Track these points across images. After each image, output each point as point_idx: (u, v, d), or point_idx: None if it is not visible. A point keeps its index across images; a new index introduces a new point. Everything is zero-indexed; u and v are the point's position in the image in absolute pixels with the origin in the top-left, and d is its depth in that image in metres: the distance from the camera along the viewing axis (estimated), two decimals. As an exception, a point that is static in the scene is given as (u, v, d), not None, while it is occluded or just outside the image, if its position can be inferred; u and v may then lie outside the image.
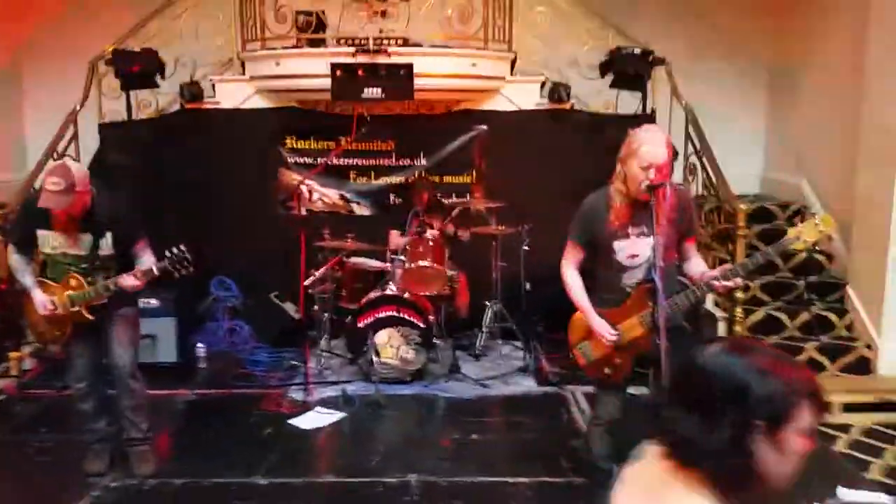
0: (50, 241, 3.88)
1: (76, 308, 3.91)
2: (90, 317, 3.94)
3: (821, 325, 5.65)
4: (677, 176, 6.51)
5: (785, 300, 5.93)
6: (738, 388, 1.38)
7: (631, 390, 3.93)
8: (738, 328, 5.56)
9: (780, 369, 1.41)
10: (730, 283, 3.41)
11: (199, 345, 5.84)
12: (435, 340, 5.51)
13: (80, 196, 3.74)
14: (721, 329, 5.68)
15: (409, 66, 6.11)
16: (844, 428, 4.63)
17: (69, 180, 3.65)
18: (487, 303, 6.15)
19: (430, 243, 5.70)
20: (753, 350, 1.48)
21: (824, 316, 5.71)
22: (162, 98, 6.78)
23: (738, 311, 5.51)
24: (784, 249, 3.31)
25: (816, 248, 5.76)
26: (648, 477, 1.47)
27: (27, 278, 3.96)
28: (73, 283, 3.90)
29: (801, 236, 3.18)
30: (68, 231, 3.86)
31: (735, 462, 1.38)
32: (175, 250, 3.85)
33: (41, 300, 3.89)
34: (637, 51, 6.43)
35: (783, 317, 5.74)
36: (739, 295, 5.47)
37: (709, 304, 5.80)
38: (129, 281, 3.84)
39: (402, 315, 5.43)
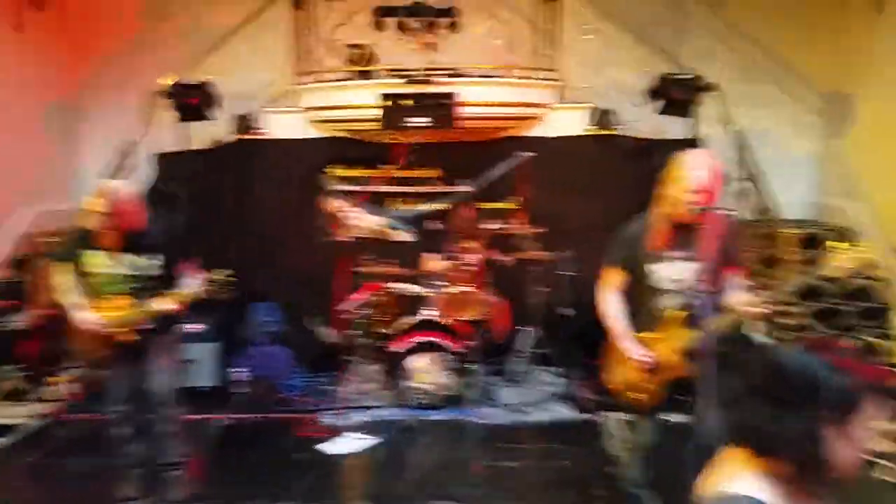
0: (101, 261, 3.96)
1: (120, 329, 3.96)
2: (135, 337, 3.98)
3: (869, 352, 5.40)
4: (727, 201, 6.33)
5: (834, 326, 5.70)
6: (811, 382, 1.52)
7: (668, 417, 3.78)
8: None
9: (849, 366, 1.55)
10: (764, 310, 3.27)
11: (241, 369, 5.89)
12: (471, 366, 5.42)
13: (123, 217, 3.84)
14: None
15: (450, 95, 6.17)
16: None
17: (112, 202, 3.77)
18: (526, 328, 6.04)
19: (471, 268, 5.65)
20: (827, 350, 1.72)
21: (872, 342, 5.46)
22: (217, 129, 6.99)
23: (785, 336, 5.28)
24: (823, 276, 3.17)
25: (864, 274, 5.54)
26: (726, 466, 1.61)
27: (75, 297, 4.01)
28: (118, 303, 3.96)
29: (842, 263, 3.05)
30: (118, 251, 3.94)
31: (808, 449, 1.50)
32: (216, 274, 3.93)
33: (90, 319, 3.93)
34: (685, 76, 6.33)
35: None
36: (783, 321, 5.26)
37: (757, 330, 5.56)
38: (169, 304, 3.91)
39: (437, 340, 5.37)
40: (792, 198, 6.56)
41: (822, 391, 1.51)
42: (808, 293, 5.60)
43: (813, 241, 6.20)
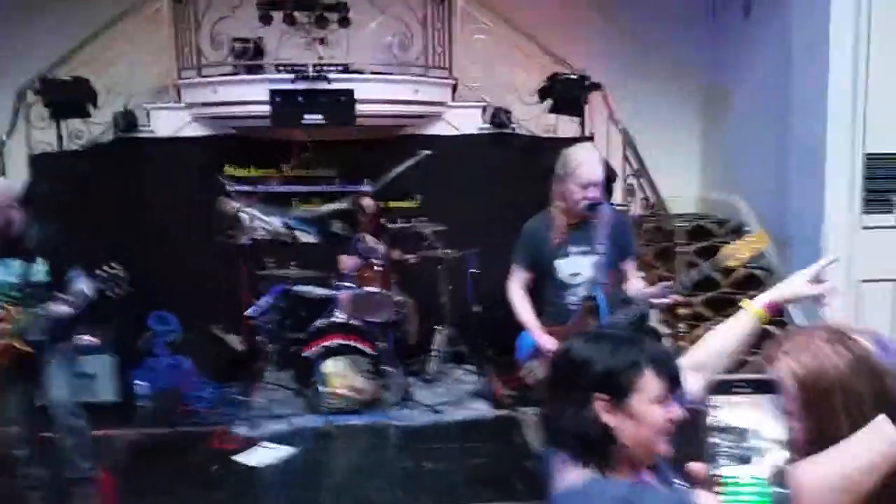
0: None
1: (10, 340, 3.71)
2: (26, 349, 3.74)
3: (762, 339, 5.78)
4: (616, 197, 6.65)
5: (726, 315, 6.01)
6: (579, 366, 1.50)
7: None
8: (682, 343, 5.66)
9: (622, 344, 1.52)
10: (668, 300, 3.49)
11: (140, 382, 5.62)
12: (385, 367, 5.44)
13: (2, 215, 3.60)
14: (666, 344, 5.78)
15: (350, 92, 6.09)
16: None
17: None
18: (437, 327, 6.11)
19: (377, 269, 5.65)
20: (605, 334, 1.65)
21: (766, 330, 5.84)
22: (94, 128, 6.58)
23: (682, 326, 5.62)
24: (718, 266, 3.32)
25: (754, 263, 5.92)
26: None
27: None
28: (8, 312, 3.71)
29: (736, 253, 3.19)
30: None
31: (591, 437, 1.45)
32: (107, 268, 3.73)
33: None
34: (574, 76, 6.56)
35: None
36: (683, 311, 5.58)
37: (654, 320, 5.89)
38: (61, 307, 3.69)
39: (350, 343, 5.32)
40: (677, 192, 6.95)
41: (590, 373, 1.48)
42: (702, 283, 5.97)
43: (700, 232, 6.61)
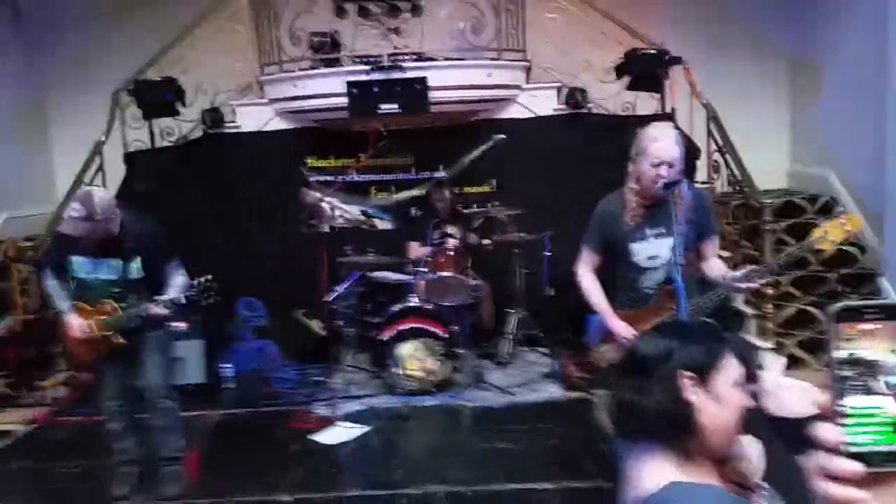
0: (82, 267, 3.95)
1: (110, 332, 3.96)
2: (123, 341, 3.99)
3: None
4: (701, 174, 6.43)
5: (817, 294, 5.75)
6: (664, 350, 1.53)
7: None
8: (769, 325, 5.43)
9: (703, 333, 1.61)
10: (753, 285, 3.31)
11: (227, 365, 5.87)
12: (459, 350, 5.47)
13: (102, 224, 3.79)
14: (752, 327, 5.55)
15: (423, 80, 6.15)
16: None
17: (89, 208, 3.71)
18: (511, 310, 6.10)
19: (452, 253, 5.69)
20: (687, 322, 1.85)
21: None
22: (184, 125, 6.90)
23: (769, 307, 5.38)
24: (808, 249, 3.20)
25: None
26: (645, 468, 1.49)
27: (63, 304, 4.01)
28: (107, 307, 3.96)
29: (827, 236, 3.06)
30: (98, 256, 3.92)
31: (674, 413, 1.47)
32: (200, 280, 3.94)
33: (78, 325, 3.93)
34: (652, 51, 6.38)
35: (816, 311, 5.57)
36: (770, 291, 5.34)
37: (738, 301, 5.67)
38: (155, 310, 3.91)
39: (424, 326, 5.39)
40: (765, 168, 6.66)
41: (675, 353, 1.51)
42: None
43: (790, 209, 6.29)
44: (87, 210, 3.72)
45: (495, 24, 6.78)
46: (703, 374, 1.50)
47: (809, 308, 5.60)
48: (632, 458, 1.50)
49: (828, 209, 6.21)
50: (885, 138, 5.56)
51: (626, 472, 1.49)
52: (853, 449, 0.79)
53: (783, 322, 5.55)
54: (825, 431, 0.80)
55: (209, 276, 3.96)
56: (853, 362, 0.81)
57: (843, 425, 0.80)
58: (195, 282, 3.95)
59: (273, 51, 6.95)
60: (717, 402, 1.49)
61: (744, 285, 3.29)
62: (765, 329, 5.49)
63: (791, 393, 1.42)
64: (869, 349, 0.81)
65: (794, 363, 5.36)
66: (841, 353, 0.81)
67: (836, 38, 6.57)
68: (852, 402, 0.80)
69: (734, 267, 3.56)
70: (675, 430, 1.47)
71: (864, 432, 0.79)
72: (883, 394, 0.80)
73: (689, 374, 1.49)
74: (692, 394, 1.49)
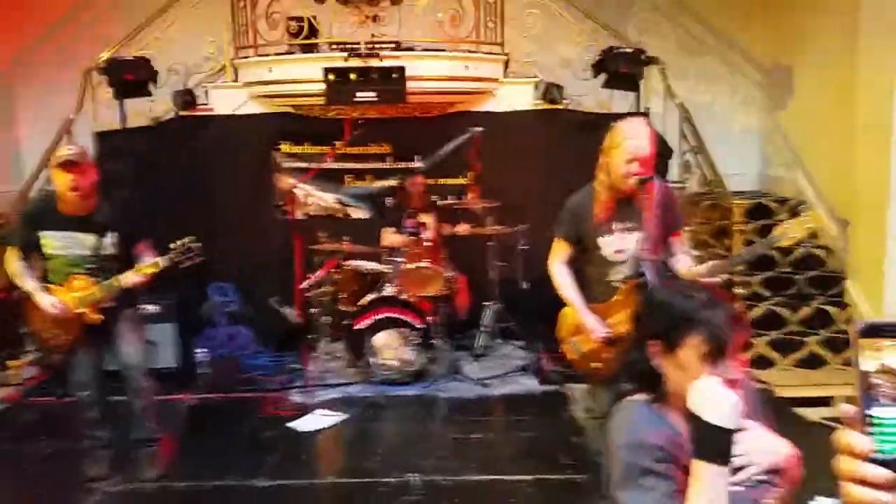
0: (55, 241, 3.88)
1: (83, 309, 3.89)
2: (98, 317, 3.92)
3: (821, 320, 5.66)
4: (673, 174, 6.55)
5: (785, 295, 5.93)
6: (646, 313, 1.78)
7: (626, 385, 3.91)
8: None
9: (687, 301, 1.69)
10: (716, 280, 3.40)
11: (200, 350, 5.82)
12: (434, 341, 5.50)
13: (91, 170, 3.82)
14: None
15: (401, 69, 6.12)
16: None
17: (82, 149, 3.82)
18: (486, 303, 6.15)
19: (427, 244, 5.71)
20: (687, 288, 1.86)
21: (825, 310, 5.73)
22: (156, 106, 6.78)
23: (739, 306, 5.51)
24: (771, 246, 3.27)
25: (812, 242, 5.78)
26: None
27: (30, 282, 3.91)
28: (77, 284, 3.89)
29: (788, 233, 3.10)
30: (71, 229, 3.87)
31: (645, 374, 1.72)
32: (179, 242, 3.88)
33: (48, 301, 3.84)
34: (629, 50, 6.46)
35: (784, 311, 5.75)
36: (740, 291, 5.48)
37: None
38: (133, 278, 3.85)
39: (400, 316, 5.41)
40: (736, 169, 6.81)
41: (650, 320, 1.75)
42: (759, 262, 5.83)
43: (760, 211, 6.45)
44: (79, 149, 3.83)
45: (474, 16, 6.79)
46: (670, 344, 1.66)
47: (777, 308, 5.76)
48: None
49: (797, 212, 6.37)
50: (853, 142, 5.73)
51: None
52: (880, 457, 0.84)
53: (752, 321, 5.69)
54: (854, 440, 0.85)
55: (187, 238, 3.91)
56: (885, 372, 0.86)
57: (870, 434, 0.84)
58: (178, 242, 3.89)
59: (249, 34, 6.86)
60: (682, 370, 1.63)
61: (707, 280, 3.36)
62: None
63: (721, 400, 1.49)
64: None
65: (763, 363, 5.53)
66: (870, 365, 0.85)
67: (807, 41, 6.73)
68: (879, 412, 0.85)
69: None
70: (645, 386, 1.74)
71: (891, 440, 0.84)
72: None
73: (656, 341, 1.69)
74: (658, 359, 1.69)
